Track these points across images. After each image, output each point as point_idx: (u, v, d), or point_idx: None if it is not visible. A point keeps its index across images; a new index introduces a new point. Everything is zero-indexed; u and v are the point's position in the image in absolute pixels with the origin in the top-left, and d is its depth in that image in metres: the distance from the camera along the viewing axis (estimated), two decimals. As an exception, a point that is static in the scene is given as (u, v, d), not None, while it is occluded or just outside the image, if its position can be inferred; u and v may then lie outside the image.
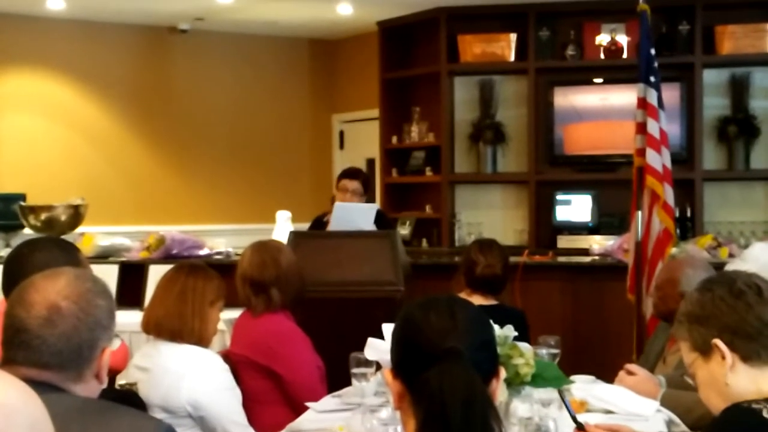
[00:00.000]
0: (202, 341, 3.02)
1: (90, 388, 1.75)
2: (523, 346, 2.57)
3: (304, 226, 5.90)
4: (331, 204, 5.47)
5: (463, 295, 3.77)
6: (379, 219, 5.22)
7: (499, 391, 1.65)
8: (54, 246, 2.67)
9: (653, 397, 3.02)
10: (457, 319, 1.60)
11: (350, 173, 5.44)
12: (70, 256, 2.58)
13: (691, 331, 1.96)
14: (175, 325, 2.95)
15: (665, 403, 2.99)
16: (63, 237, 6.15)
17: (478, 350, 1.59)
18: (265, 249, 3.50)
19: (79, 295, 1.72)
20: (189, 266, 3.14)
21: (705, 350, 1.93)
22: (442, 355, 1.53)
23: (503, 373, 1.66)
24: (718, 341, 1.90)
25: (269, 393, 3.30)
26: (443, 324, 1.59)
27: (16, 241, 6.85)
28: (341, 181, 5.34)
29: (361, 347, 3.05)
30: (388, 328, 2.86)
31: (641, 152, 4.96)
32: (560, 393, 2.53)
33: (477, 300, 3.77)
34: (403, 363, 1.62)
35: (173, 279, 3.03)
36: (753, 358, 1.89)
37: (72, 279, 1.75)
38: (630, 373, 3.19)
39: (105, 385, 1.81)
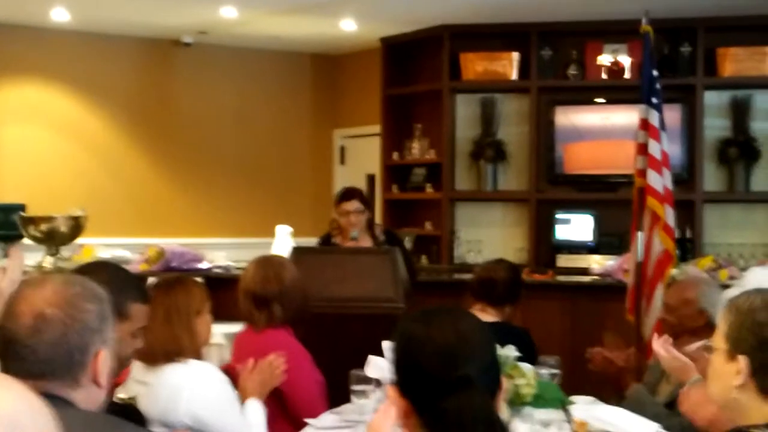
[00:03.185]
0: (197, 354, 3.01)
1: (91, 395, 1.73)
2: (525, 366, 2.57)
3: (304, 240, 5.89)
4: (331, 227, 5.33)
5: None
6: (390, 238, 5.21)
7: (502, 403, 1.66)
8: (104, 269, 2.59)
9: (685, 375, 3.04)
10: (463, 339, 1.59)
11: (346, 194, 5.19)
12: (111, 276, 2.47)
13: (734, 325, 1.91)
14: (169, 347, 2.93)
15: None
16: (63, 248, 6.17)
17: (487, 371, 1.60)
18: (268, 264, 3.49)
19: (64, 300, 1.71)
20: (165, 284, 3.09)
21: (732, 352, 1.90)
22: (454, 382, 1.54)
23: (506, 384, 1.66)
24: (743, 360, 1.87)
25: (269, 408, 3.29)
26: (450, 346, 1.58)
27: (16, 251, 6.84)
28: (340, 205, 5.13)
29: (360, 363, 3.05)
30: (389, 346, 2.86)
31: (642, 173, 4.97)
32: (565, 410, 2.53)
33: (481, 317, 3.77)
34: (409, 385, 1.61)
35: (155, 302, 2.99)
36: (767, 394, 1.86)
37: (59, 285, 1.74)
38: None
39: (106, 390, 1.78)
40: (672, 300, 3.77)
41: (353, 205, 5.10)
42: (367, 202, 5.26)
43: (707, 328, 3.51)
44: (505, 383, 1.67)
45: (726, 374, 1.89)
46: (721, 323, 1.96)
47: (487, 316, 3.87)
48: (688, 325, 3.54)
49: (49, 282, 1.76)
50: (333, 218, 5.31)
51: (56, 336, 1.68)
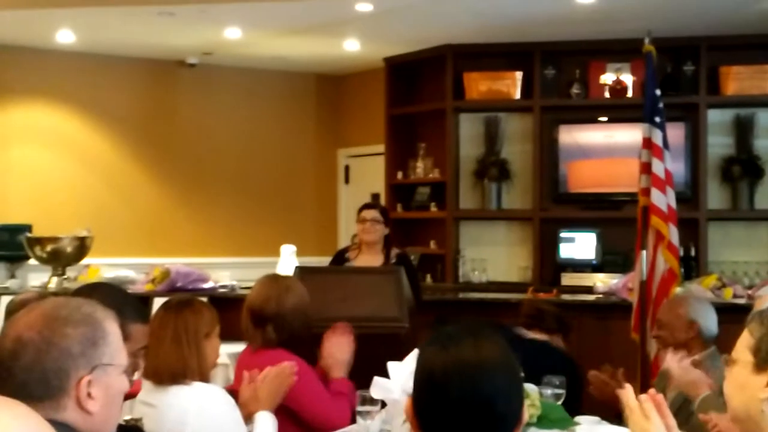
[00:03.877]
0: (204, 377, 3.01)
1: (87, 420, 1.68)
2: (529, 387, 2.57)
3: (309, 260, 5.91)
4: (351, 242, 5.52)
5: None
6: (401, 262, 5.25)
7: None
8: (106, 291, 2.58)
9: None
10: (482, 396, 1.56)
11: (368, 204, 5.56)
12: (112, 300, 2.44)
13: (765, 337, 1.87)
14: (176, 369, 2.92)
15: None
16: (69, 268, 6.19)
17: (506, 403, 1.58)
18: (274, 284, 3.48)
19: (44, 324, 1.68)
20: (176, 304, 3.07)
21: (761, 364, 1.86)
22: (468, 409, 1.55)
23: (526, 415, 1.64)
24: None
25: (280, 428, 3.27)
26: (467, 407, 1.55)
27: (22, 272, 6.88)
28: (360, 213, 5.38)
29: (364, 383, 3.04)
30: (393, 367, 2.86)
31: (646, 192, 4.97)
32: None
33: (529, 334, 3.92)
34: (423, 413, 1.61)
35: (163, 322, 2.98)
36: None
37: (47, 309, 1.71)
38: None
39: (110, 416, 1.74)
40: (663, 316, 3.90)
41: (371, 213, 5.31)
42: (387, 217, 5.44)
43: (698, 339, 3.62)
44: (526, 415, 1.63)
45: (752, 387, 1.85)
46: (747, 335, 1.91)
47: (535, 335, 4.02)
48: (680, 338, 3.67)
49: (40, 306, 1.74)
50: (355, 233, 5.44)
51: (30, 360, 1.65)
